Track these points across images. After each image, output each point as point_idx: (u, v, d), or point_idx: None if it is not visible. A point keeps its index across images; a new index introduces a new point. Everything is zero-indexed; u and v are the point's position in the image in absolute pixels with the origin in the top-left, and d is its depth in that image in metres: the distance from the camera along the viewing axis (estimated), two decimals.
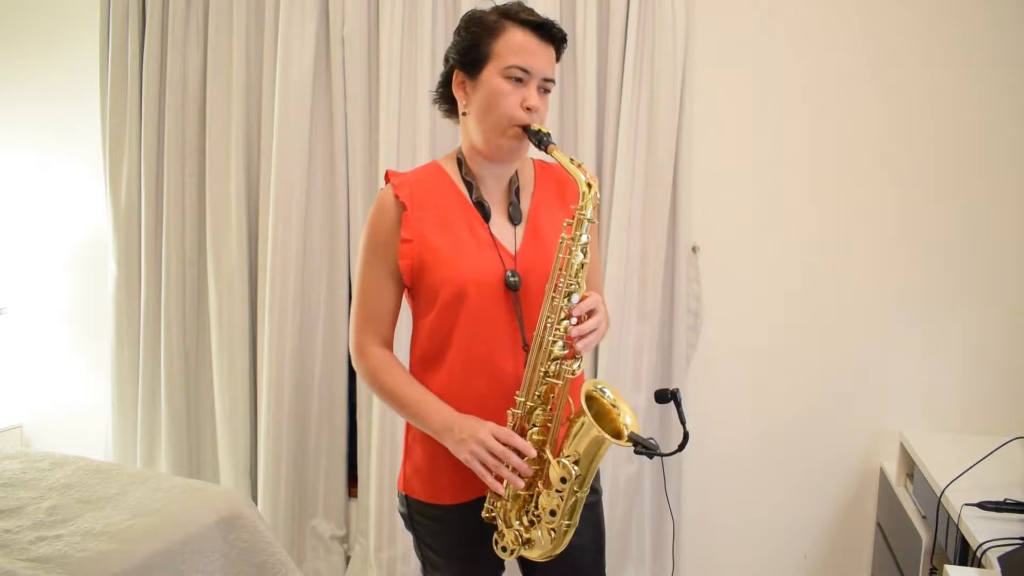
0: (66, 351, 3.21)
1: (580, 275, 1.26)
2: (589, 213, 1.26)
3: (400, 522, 2.56)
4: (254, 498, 2.74)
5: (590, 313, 1.27)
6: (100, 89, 2.84)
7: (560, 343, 1.26)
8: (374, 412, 2.58)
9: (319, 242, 2.66)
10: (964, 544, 1.59)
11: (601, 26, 2.32)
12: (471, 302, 1.31)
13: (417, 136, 2.47)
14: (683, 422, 1.22)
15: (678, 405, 1.24)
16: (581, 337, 1.25)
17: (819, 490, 2.41)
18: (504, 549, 1.32)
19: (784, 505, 2.43)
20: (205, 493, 2.12)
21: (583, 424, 1.24)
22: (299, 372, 2.67)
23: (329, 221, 2.67)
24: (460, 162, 1.40)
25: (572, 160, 1.27)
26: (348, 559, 2.78)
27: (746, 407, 2.42)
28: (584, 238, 1.26)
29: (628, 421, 1.27)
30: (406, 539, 2.58)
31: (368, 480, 2.64)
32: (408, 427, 1.42)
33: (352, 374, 2.72)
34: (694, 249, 2.39)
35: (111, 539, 1.84)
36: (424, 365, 1.38)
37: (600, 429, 1.21)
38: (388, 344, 1.41)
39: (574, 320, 1.25)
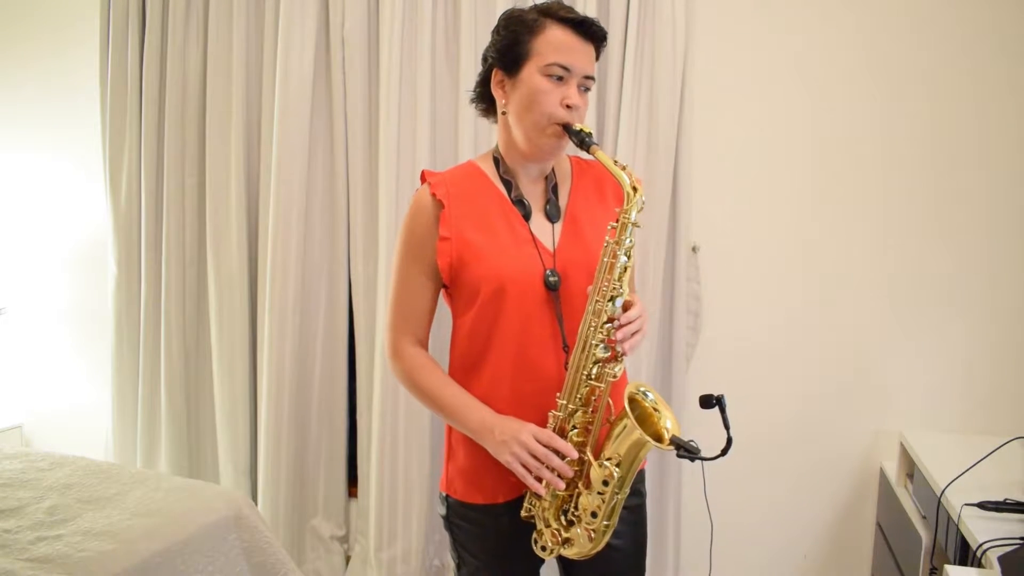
0: (66, 351, 3.21)
1: (623, 278, 1.26)
2: (634, 216, 1.25)
3: (400, 521, 2.59)
4: (254, 498, 2.74)
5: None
6: (100, 89, 2.84)
7: (603, 346, 1.26)
8: (374, 412, 2.58)
9: (319, 242, 2.66)
10: (964, 544, 1.59)
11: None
12: (511, 300, 1.30)
13: (417, 136, 2.47)
14: (727, 427, 1.22)
15: (723, 410, 1.23)
16: (626, 339, 1.25)
17: (819, 490, 2.41)
18: (544, 548, 1.32)
19: (784, 505, 2.43)
20: (205, 493, 2.12)
21: (625, 426, 1.24)
22: (299, 372, 2.67)
23: (329, 221, 2.67)
24: (497, 161, 1.39)
25: (616, 162, 1.27)
26: (348, 559, 2.79)
27: (746, 407, 2.42)
28: (628, 242, 1.26)
29: (669, 425, 1.27)
30: (406, 539, 2.59)
31: (368, 480, 2.64)
32: (450, 428, 1.42)
33: (352, 374, 2.72)
34: (694, 249, 2.39)
35: (111, 539, 1.84)
36: (465, 366, 1.37)
37: (642, 432, 1.21)
38: (424, 344, 1.41)
39: (616, 324, 1.26)
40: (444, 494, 1.44)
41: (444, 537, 1.48)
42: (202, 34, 2.69)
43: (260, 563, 2.09)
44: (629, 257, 1.26)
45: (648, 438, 1.21)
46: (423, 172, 1.39)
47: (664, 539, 2.44)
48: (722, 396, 1.24)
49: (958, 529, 1.61)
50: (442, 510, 1.45)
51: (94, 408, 3.10)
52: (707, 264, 2.40)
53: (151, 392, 2.89)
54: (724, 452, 1.21)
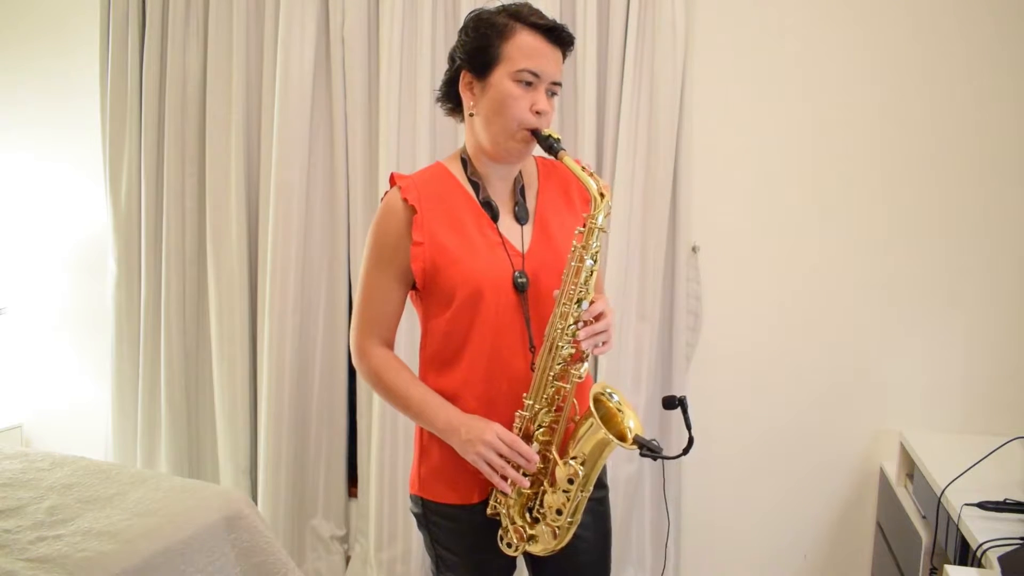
0: (66, 351, 3.21)
1: (590, 282, 1.28)
2: (600, 221, 1.26)
3: (400, 521, 2.59)
4: (254, 498, 2.74)
5: (599, 316, 1.29)
6: (100, 89, 2.84)
7: (568, 347, 1.27)
8: (374, 412, 2.58)
9: (319, 242, 2.66)
10: (964, 544, 1.59)
11: (601, 26, 2.32)
12: (487, 303, 1.31)
13: (417, 136, 2.47)
14: (688, 428, 1.25)
15: (684, 412, 1.26)
16: (590, 337, 1.27)
17: (819, 490, 2.40)
18: (509, 545, 1.34)
19: (784, 505, 2.43)
20: (205, 493, 2.12)
21: (591, 425, 1.26)
22: (299, 372, 2.67)
23: (329, 221, 2.67)
24: (465, 162, 1.40)
25: (584, 168, 1.28)
26: (348, 559, 2.79)
27: (746, 407, 2.42)
28: (595, 246, 1.27)
29: (632, 425, 1.29)
30: (406, 539, 2.59)
31: (368, 480, 2.64)
32: (421, 430, 1.43)
33: (352, 374, 2.72)
34: (694, 249, 2.39)
35: (111, 539, 1.84)
36: (436, 366, 1.38)
37: (607, 431, 1.23)
38: (390, 345, 1.42)
39: (581, 324, 1.27)
40: (417, 496, 1.44)
41: (423, 538, 1.48)
42: (202, 34, 2.69)
43: (260, 563, 2.09)
44: (595, 261, 1.28)
45: (612, 437, 1.23)
46: (392, 175, 1.39)
47: (663, 534, 2.44)
48: (684, 397, 1.27)
49: (958, 529, 1.61)
50: (416, 509, 1.45)
51: (94, 408, 3.10)
52: (707, 264, 2.40)
53: (151, 392, 2.89)
54: (685, 451, 1.25)
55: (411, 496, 1.46)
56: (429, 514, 1.42)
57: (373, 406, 2.59)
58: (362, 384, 2.67)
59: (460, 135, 2.44)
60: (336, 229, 2.65)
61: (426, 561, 2.60)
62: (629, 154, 2.30)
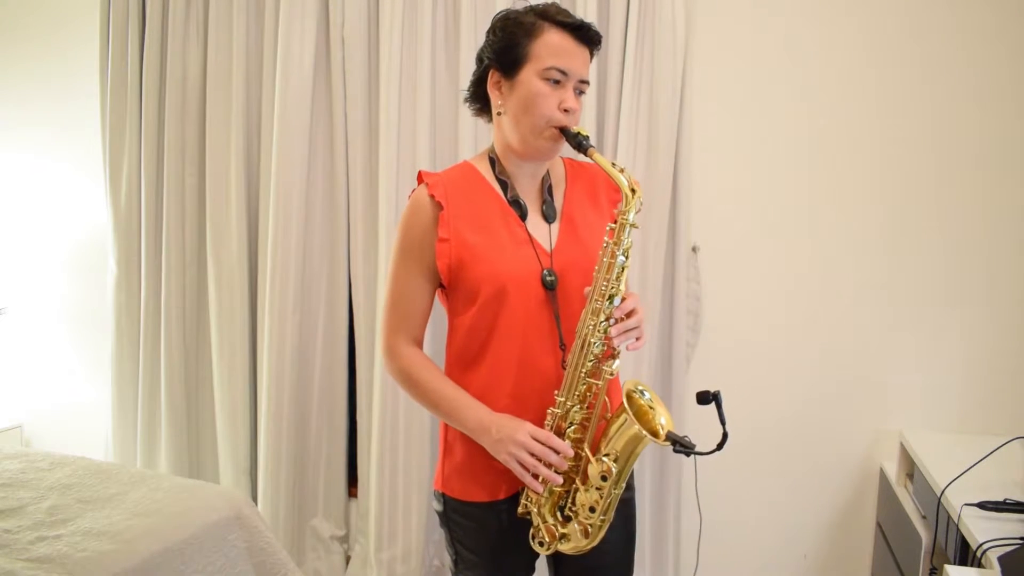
0: (66, 351, 3.21)
1: (621, 278, 1.28)
2: (632, 218, 1.27)
3: (400, 521, 2.59)
4: (254, 498, 2.74)
5: (630, 313, 1.29)
6: (100, 89, 2.84)
7: (600, 344, 1.27)
8: (374, 412, 2.58)
9: (319, 242, 2.66)
10: (964, 544, 1.60)
11: (601, 26, 2.31)
12: (511, 300, 1.32)
13: (417, 136, 2.47)
14: (723, 423, 1.24)
15: (719, 407, 1.26)
16: (622, 334, 1.27)
17: (819, 490, 2.41)
18: (541, 543, 1.34)
19: (784, 505, 2.44)
20: (205, 493, 2.12)
21: (623, 422, 1.26)
22: (299, 372, 2.67)
23: (329, 221, 2.67)
24: (493, 161, 1.40)
25: (614, 164, 1.29)
26: (348, 559, 2.79)
27: (746, 407, 2.42)
28: (626, 242, 1.27)
29: (663, 421, 1.29)
30: (406, 539, 2.59)
31: (368, 480, 2.64)
32: (446, 426, 1.43)
33: (352, 374, 2.72)
34: (694, 249, 2.39)
35: (111, 539, 1.84)
36: (462, 364, 1.39)
37: (640, 427, 1.23)
38: (419, 344, 1.42)
39: (613, 321, 1.28)
40: (440, 492, 1.44)
41: (443, 536, 1.48)
42: (202, 34, 2.69)
43: (260, 563, 2.09)
44: (627, 257, 1.28)
45: (646, 433, 1.24)
46: (420, 173, 1.40)
47: (664, 535, 2.45)
48: (718, 392, 1.26)
49: (958, 529, 1.61)
50: (438, 507, 1.45)
51: (94, 408, 3.10)
52: (707, 264, 2.40)
53: (151, 392, 2.89)
54: (719, 447, 1.23)
55: (434, 492, 1.46)
56: (451, 512, 1.43)
57: (373, 406, 2.59)
58: (362, 384, 2.67)
59: (460, 135, 2.45)
60: (336, 229, 2.65)
61: (426, 561, 2.61)
62: (629, 154, 2.30)
